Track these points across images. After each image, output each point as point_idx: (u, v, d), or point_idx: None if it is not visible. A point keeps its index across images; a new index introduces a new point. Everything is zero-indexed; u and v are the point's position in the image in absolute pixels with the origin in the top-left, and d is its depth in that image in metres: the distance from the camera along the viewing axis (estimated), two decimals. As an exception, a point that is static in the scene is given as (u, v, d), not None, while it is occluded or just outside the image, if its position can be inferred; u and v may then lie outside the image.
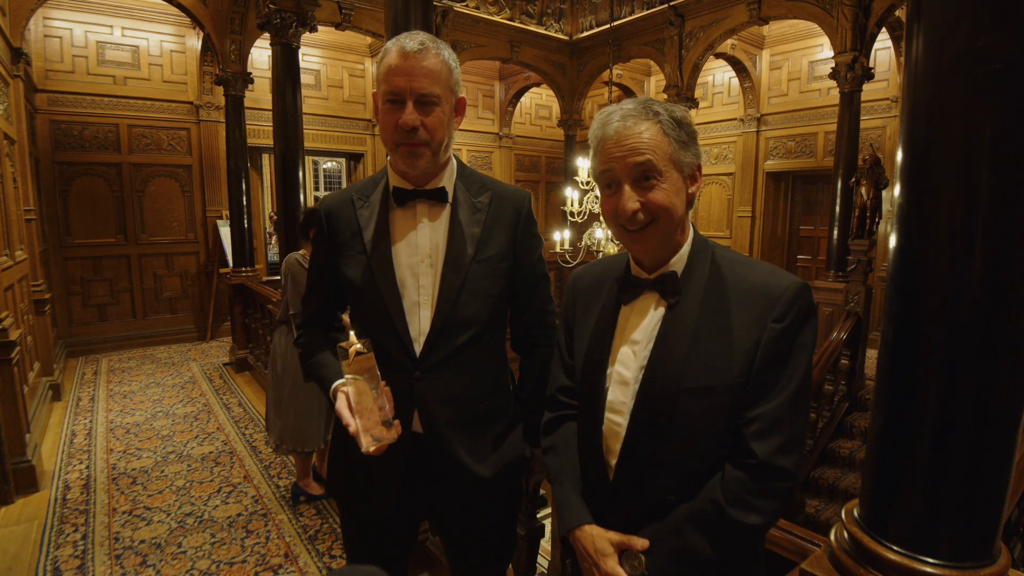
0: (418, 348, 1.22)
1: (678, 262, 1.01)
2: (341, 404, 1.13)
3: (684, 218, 1.00)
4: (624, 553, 1.00)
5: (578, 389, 1.13)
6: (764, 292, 0.94)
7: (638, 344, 1.01)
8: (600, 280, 1.13)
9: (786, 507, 0.95)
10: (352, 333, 1.16)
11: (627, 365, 1.02)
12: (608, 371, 1.04)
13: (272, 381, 3.18)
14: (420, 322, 1.22)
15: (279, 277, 4.85)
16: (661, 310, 1.00)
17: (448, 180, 1.26)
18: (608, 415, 1.03)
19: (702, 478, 0.97)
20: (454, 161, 1.29)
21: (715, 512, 0.93)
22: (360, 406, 1.11)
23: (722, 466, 0.96)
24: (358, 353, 1.09)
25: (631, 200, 0.95)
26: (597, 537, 1.02)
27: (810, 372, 0.96)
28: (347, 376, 1.12)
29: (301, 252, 3.08)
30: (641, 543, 0.98)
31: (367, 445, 1.08)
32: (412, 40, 1.12)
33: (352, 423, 1.10)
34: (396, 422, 1.12)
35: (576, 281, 1.20)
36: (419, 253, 1.23)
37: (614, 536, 1.01)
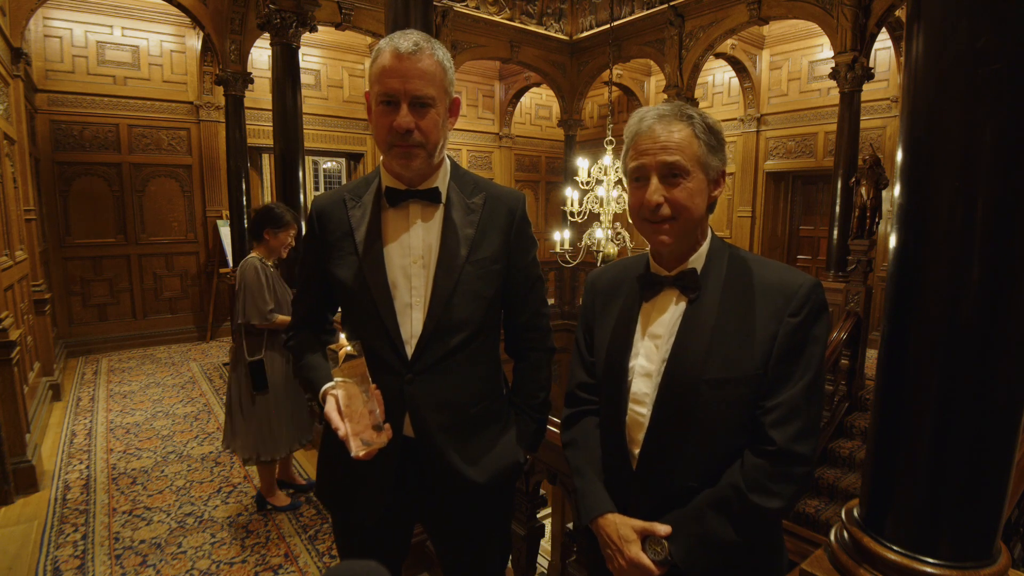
0: (409, 350, 1.20)
1: (697, 260, 1.05)
2: (330, 408, 1.11)
3: (704, 219, 1.04)
4: (647, 539, 1.02)
5: (600, 383, 1.15)
6: (780, 288, 0.99)
7: (660, 338, 1.05)
8: (619, 280, 1.17)
9: (803, 491, 0.99)
10: (343, 335, 1.14)
11: (650, 358, 1.06)
12: (631, 364, 1.08)
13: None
14: (412, 324, 1.20)
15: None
16: (682, 305, 1.04)
17: (442, 181, 1.24)
18: (632, 406, 1.07)
19: (722, 466, 1.00)
20: (448, 162, 1.27)
21: (736, 497, 0.96)
22: (350, 410, 1.08)
23: (741, 454, 0.99)
24: (348, 356, 1.07)
25: (656, 193, 0.99)
26: (620, 524, 1.05)
27: (823, 364, 1.00)
28: (337, 379, 1.10)
29: (255, 254, 2.87)
30: (663, 529, 1.01)
31: (356, 450, 1.06)
32: (406, 40, 1.10)
33: (341, 427, 1.08)
34: (386, 426, 1.09)
35: (595, 281, 1.22)
36: (412, 254, 1.21)
37: (637, 523, 1.04)
